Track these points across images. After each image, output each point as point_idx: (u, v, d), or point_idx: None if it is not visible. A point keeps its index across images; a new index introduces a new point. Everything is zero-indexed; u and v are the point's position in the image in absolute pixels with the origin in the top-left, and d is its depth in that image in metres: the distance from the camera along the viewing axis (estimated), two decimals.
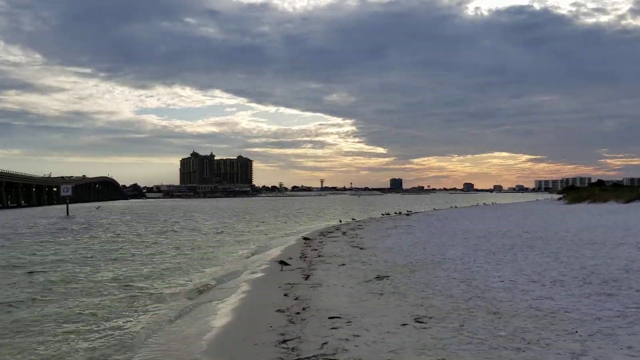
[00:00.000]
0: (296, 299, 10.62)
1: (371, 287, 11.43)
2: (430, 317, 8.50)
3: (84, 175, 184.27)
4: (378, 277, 12.57)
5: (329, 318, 8.70)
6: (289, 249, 21.93)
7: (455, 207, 70.78)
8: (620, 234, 19.02)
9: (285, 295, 11.16)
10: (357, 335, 7.59)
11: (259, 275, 15.08)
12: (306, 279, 13.02)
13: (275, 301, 10.61)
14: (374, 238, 23.21)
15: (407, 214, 50.75)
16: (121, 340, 9.21)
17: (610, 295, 9.44)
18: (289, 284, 12.49)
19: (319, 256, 17.62)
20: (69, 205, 71.76)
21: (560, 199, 79.94)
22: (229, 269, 17.38)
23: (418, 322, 8.24)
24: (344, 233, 27.56)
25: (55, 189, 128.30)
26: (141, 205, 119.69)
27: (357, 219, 44.51)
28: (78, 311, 11.50)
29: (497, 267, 13.23)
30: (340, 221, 42.21)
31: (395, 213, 52.61)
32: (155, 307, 11.99)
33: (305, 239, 25.28)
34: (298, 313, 9.29)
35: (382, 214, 51.32)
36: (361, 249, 19.16)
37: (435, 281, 11.71)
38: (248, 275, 15.28)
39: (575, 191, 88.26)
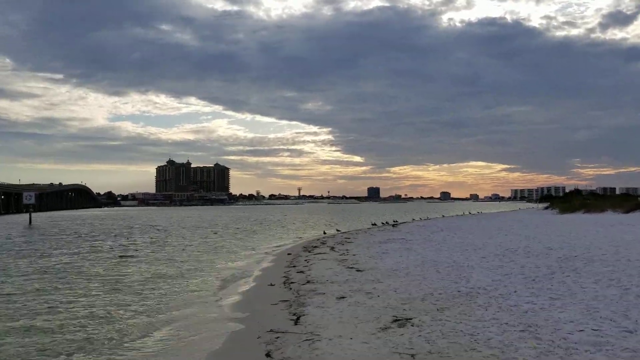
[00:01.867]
0: None
1: (393, 340, 7.83)
2: None
3: (60, 183, 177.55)
4: (397, 321, 8.97)
5: None
6: (268, 270, 18.25)
7: (443, 216, 67.82)
8: None
9: (268, 356, 7.50)
10: None
11: (230, 312, 11.37)
12: (296, 322, 9.35)
13: None
14: (370, 255, 19.63)
15: (394, 225, 47.44)
16: None
17: None
18: (272, 331, 8.83)
19: (307, 282, 13.95)
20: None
21: (546, 208, 77.61)
22: (184, 306, 13.55)
23: None
24: (331, 248, 23.94)
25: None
26: (106, 215, 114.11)
27: (342, 230, 41.02)
28: None
29: (555, 303, 9.75)
30: (325, 233, 38.59)
31: (383, 223, 49.20)
32: None
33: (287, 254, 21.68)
34: None
35: (371, 224, 47.82)
36: (358, 270, 15.56)
37: (481, 329, 8.18)
38: (212, 314, 11.54)
39: (562, 200, 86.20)
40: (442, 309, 9.80)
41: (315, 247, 25.55)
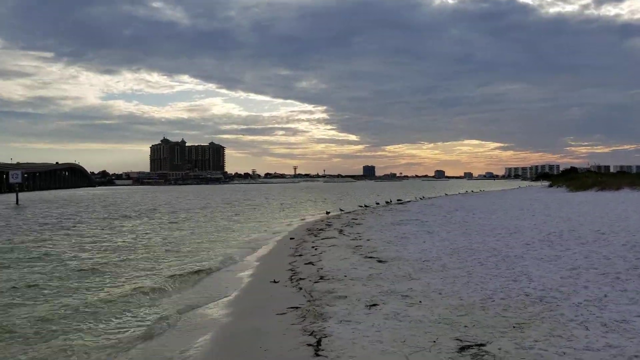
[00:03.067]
0: None
1: None
2: None
3: (57, 162, 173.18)
4: (467, 348, 6.14)
5: None
6: (268, 260, 15.40)
7: (446, 194, 65.08)
8: None
9: None
10: None
11: (213, 332, 8.49)
12: (316, 350, 6.46)
13: None
14: (387, 241, 16.77)
15: (400, 203, 44.86)
16: None
17: None
18: None
19: (321, 278, 11.08)
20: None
21: (550, 185, 74.82)
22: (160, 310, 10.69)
23: None
24: (340, 231, 21.09)
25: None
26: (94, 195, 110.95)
27: (345, 210, 38.14)
28: None
29: None
30: (328, 212, 35.73)
31: (386, 202, 46.37)
32: None
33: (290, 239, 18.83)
34: None
35: (375, 203, 45.00)
36: (380, 261, 12.70)
37: None
38: (195, 329, 8.67)
39: (567, 178, 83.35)
40: (520, 325, 6.96)
41: (321, 230, 22.68)
